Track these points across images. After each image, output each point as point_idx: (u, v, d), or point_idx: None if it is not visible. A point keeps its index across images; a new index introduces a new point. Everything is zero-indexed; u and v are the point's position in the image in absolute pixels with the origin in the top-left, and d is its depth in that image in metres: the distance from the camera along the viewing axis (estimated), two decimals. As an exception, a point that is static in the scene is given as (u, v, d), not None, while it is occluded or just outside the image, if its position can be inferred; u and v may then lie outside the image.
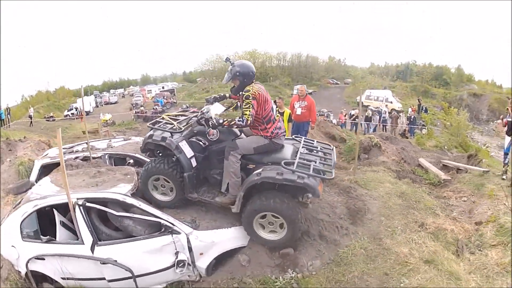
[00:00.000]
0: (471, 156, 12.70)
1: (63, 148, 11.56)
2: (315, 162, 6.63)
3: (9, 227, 7.20)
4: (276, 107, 8.40)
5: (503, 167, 11.04)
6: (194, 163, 7.30)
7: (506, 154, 11.18)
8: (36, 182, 10.53)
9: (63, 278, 7.01)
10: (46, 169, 10.60)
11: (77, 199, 7.09)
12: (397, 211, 7.79)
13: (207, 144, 7.37)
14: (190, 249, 6.98)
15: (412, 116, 28.42)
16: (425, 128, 26.51)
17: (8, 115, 38.02)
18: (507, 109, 11.23)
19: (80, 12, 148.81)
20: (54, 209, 7.35)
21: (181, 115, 8.09)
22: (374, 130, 26.84)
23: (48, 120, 48.07)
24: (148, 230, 7.24)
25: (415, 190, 9.11)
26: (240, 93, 6.91)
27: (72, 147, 11.72)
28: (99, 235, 7.05)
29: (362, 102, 46.51)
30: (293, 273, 6.49)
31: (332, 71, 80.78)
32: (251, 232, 6.96)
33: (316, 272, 6.41)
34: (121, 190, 7.43)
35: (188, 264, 7.03)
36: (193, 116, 7.73)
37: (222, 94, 7.70)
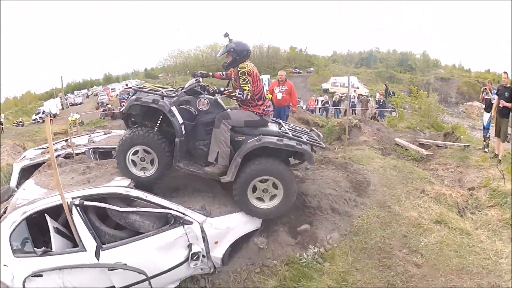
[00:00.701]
0: (447, 134, 13.31)
1: (40, 148, 11.43)
2: (303, 137, 7.09)
3: None
4: None
5: (484, 141, 12.01)
6: (183, 130, 7.15)
7: (487, 129, 12.00)
8: (18, 187, 9.89)
9: None
10: (26, 172, 9.77)
11: (72, 198, 6.36)
12: (396, 181, 8.08)
13: (196, 113, 7.25)
14: (204, 239, 6.63)
15: (381, 100, 28.76)
16: (394, 111, 27.26)
17: None
18: (485, 88, 12.09)
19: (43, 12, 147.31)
20: (45, 214, 6.50)
21: (161, 87, 7.76)
22: (345, 114, 26.87)
23: (17, 126, 47.48)
24: (156, 224, 6.73)
25: (405, 163, 9.62)
26: (234, 69, 7.17)
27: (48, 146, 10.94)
28: (101, 238, 6.36)
29: (328, 89, 48.36)
30: (315, 249, 6.54)
31: (294, 60, 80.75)
32: (245, 202, 6.97)
33: (336, 244, 6.55)
34: (122, 183, 7.02)
35: (203, 255, 6.64)
36: (179, 88, 7.66)
37: (205, 72, 7.82)
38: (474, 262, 5.59)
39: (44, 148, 10.89)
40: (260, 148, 6.89)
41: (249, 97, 7.00)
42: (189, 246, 6.45)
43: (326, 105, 30.04)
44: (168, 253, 6.44)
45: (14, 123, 49.49)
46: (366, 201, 7.30)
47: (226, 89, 7.18)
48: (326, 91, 47.58)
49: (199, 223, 6.55)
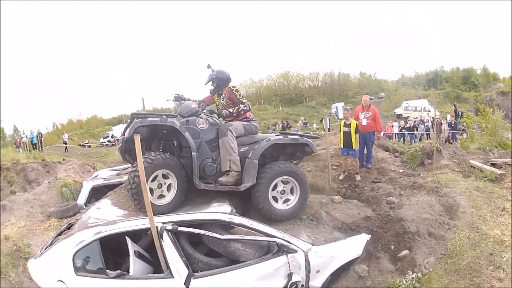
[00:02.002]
0: None
1: (114, 169, 11.60)
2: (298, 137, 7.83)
3: (56, 258, 6.05)
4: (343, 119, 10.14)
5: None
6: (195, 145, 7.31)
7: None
8: (85, 205, 10.07)
9: None
10: (97, 192, 9.77)
11: (163, 223, 6.16)
12: (481, 202, 8.29)
13: (199, 131, 7.44)
14: (306, 268, 6.35)
15: (452, 122, 28.20)
16: (465, 133, 26.66)
17: (41, 140, 37.47)
18: None
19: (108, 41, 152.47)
20: (126, 238, 6.22)
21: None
22: (420, 139, 26.62)
23: (83, 147, 49.28)
24: (258, 253, 6.48)
25: (485, 184, 9.60)
26: (222, 92, 8.04)
27: (125, 168, 10.71)
28: (193, 265, 6.06)
29: (401, 114, 47.28)
30: (413, 274, 6.55)
31: (365, 86, 78.73)
32: (267, 203, 7.27)
33: (432, 268, 6.66)
34: (223, 209, 6.85)
35: (302, 285, 6.34)
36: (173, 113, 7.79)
37: (181, 94, 8.26)
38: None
39: (119, 170, 11.16)
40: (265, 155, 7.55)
41: (250, 106, 7.97)
42: (289, 275, 6.21)
43: (403, 130, 29.59)
44: (266, 283, 6.19)
45: (79, 143, 51.47)
46: (458, 223, 7.55)
47: (234, 109, 7.82)
48: (399, 116, 46.67)
49: (303, 251, 6.38)
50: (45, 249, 6.48)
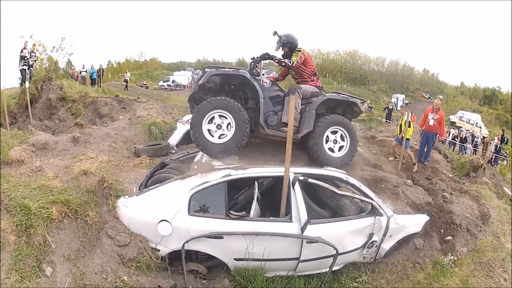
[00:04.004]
0: None
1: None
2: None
3: (163, 197, 6.35)
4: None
5: None
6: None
7: None
8: (177, 146, 10.86)
9: (237, 259, 6.43)
10: (188, 136, 9.24)
11: (295, 174, 6.70)
12: (505, 220, 9.22)
13: (264, 86, 7.86)
14: (384, 231, 7.16)
15: (498, 146, 27.94)
16: (506, 160, 26.59)
17: (101, 76, 36.32)
18: None
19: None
20: (256, 182, 6.76)
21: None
22: (466, 152, 26.53)
23: (141, 87, 49.17)
24: (357, 210, 7.22)
25: (511, 208, 10.35)
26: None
27: None
28: (309, 214, 6.58)
29: (455, 122, 46.72)
30: (451, 256, 7.66)
31: (426, 84, 78.02)
32: (321, 150, 7.85)
33: (464, 256, 7.73)
34: (339, 170, 7.52)
35: (376, 245, 7.22)
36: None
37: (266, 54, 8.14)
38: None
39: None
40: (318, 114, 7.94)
41: (293, 64, 8.01)
42: (371, 235, 6.99)
43: (455, 139, 29.40)
44: (355, 237, 6.91)
45: (137, 83, 50.64)
46: (487, 229, 8.54)
47: (276, 57, 8.06)
48: (453, 123, 46.23)
49: (387, 216, 7.12)
50: (144, 187, 6.90)
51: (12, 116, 14.17)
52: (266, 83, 7.94)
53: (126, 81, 42.87)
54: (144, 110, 13.58)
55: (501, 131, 35.53)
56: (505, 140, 31.81)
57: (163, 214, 6.16)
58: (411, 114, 12.54)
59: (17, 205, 5.49)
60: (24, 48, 19.61)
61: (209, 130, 7.34)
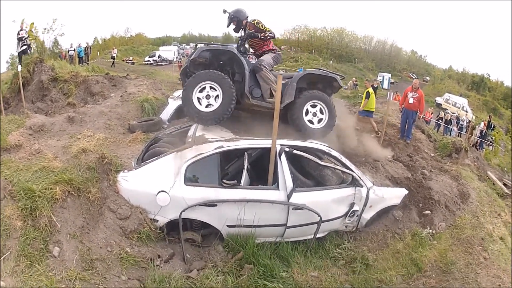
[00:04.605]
0: None
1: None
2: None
3: (161, 169, 6.70)
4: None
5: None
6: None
7: None
8: (168, 121, 11.11)
9: (229, 226, 6.83)
10: (180, 111, 10.48)
11: (281, 145, 7.14)
12: (485, 202, 9.42)
13: (249, 63, 8.27)
14: (364, 202, 7.61)
15: (484, 131, 28.13)
16: (492, 145, 26.83)
17: (88, 54, 36.28)
18: None
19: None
20: (246, 153, 7.18)
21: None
22: (450, 134, 26.89)
23: (127, 63, 48.69)
24: (338, 181, 7.85)
25: (492, 192, 10.78)
26: (247, 28, 8.57)
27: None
28: (294, 182, 7.02)
29: (441, 104, 47.20)
30: (430, 229, 7.98)
31: (413, 65, 78.65)
32: (301, 121, 8.21)
33: (442, 230, 8.04)
34: (321, 143, 7.91)
35: (357, 215, 7.72)
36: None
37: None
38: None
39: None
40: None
41: (275, 35, 8.63)
42: (352, 204, 7.50)
43: (440, 121, 29.79)
44: (337, 206, 7.39)
45: (123, 59, 50.30)
46: (466, 207, 8.78)
47: (261, 33, 8.51)
48: (439, 105, 46.94)
49: (367, 188, 7.57)
50: (141, 161, 7.20)
51: (5, 101, 14.04)
52: (252, 58, 8.46)
53: (113, 57, 43.23)
54: (135, 87, 13.94)
55: (488, 117, 36.17)
56: (492, 126, 32.29)
57: (161, 185, 6.52)
58: (396, 93, 12.72)
59: (21, 189, 5.62)
60: (21, 29, 19.30)
61: (198, 99, 7.80)
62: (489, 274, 6.87)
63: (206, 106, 7.81)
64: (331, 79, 8.62)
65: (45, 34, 23.12)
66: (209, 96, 7.80)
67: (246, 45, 8.81)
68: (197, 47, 8.24)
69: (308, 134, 8.19)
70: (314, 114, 8.40)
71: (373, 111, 13.78)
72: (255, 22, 8.56)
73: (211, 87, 7.78)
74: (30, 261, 4.99)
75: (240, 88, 8.17)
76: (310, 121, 8.36)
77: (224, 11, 8.55)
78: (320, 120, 8.48)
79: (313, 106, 8.40)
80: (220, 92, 7.78)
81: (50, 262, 5.13)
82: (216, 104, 7.80)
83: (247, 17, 8.64)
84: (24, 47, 18.88)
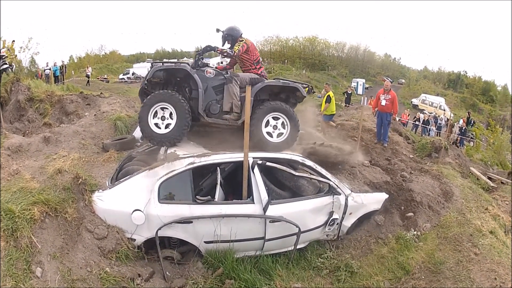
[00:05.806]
0: (510, 174, 13.60)
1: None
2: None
3: (135, 188, 6.74)
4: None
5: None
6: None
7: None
8: (142, 139, 10.56)
9: (207, 242, 6.89)
10: None
11: (254, 158, 7.26)
12: (471, 198, 9.38)
13: (207, 76, 8.17)
14: (344, 209, 7.74)
15: (463, 128, 28.64)
16: (473, 141, 27.16)
17: (64, 73, 37.63)
18: None
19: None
20: (218, 168, 7.30)
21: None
22: (429, 134, 27.41)
23: (102, 81, 49.08)
24: (314, 190, 7.96)
25: (477, 187, 10.79)
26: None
27: None
28: (269, 195, 7.11)
29: (418, 105, 47.79)
30: (414, 231, 8.09)
31: (388, 68, 79.94)
32: (259, 135, 7.97)
33: (428, 231, 8.12)
34: (296, 154, 7.97)
35: (337, 223, 7.84)
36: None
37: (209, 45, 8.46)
38: (507, 263, 7.12)
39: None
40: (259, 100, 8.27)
41: (235, 54, 8.35)
42: (331, 213, 7.64)
43: (417, 122, 30.21)
44: (315, 215, 7.51)
45: (98, 78, 50.93)
46: (450, 206, 8.82)
47: (218, 48, 8.43)
48: (415, 106, 47.62)
49: (345, 195, 7.71)
50: (115, 180, 7.21)
51: (-16, 122, 13.83)
52: (210, 73, 8.26)
53: (87, 76, 43.85)
54: (108, 105, 13.90)
55: (467, 113, 36.61)
56: (472, 122, 32.62)
57: (135, 204, 6.59)
58: (371, 98, 12.98)
59: (2, 210, 5.66)
60: (3, 47, 19.04)
61: (156, 124, 7.82)
62: (483, 269, 6.96)
63: (166, 127, 7.83)
64: (293, 89, 8.55)
65: (21, 53, 23.20)
66: (164, 118, 7.83)
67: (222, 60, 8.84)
68: (153, 66, 8.14)
69: (265, 148, 8.05)
70: (275, 127, 8.30)
71: (334, 114, 14.53)
72: (241, 38, 8.65)
73: (163, 108, 7.82)
74: (15, 281, 5.08)
75: (196, 105, 8.15)
76: (269, 134, 8.25)
77: (218, 30, 8.68)
78: (280, 134, 8.31)
79: (275, 118, 8.30)
80: (173, 112, 7.80)
81: (34, 283, 5.23)
82: (173, 123, 7.81)
83: (241, 34, 8.71)
84: (4, 65, 18.73)
